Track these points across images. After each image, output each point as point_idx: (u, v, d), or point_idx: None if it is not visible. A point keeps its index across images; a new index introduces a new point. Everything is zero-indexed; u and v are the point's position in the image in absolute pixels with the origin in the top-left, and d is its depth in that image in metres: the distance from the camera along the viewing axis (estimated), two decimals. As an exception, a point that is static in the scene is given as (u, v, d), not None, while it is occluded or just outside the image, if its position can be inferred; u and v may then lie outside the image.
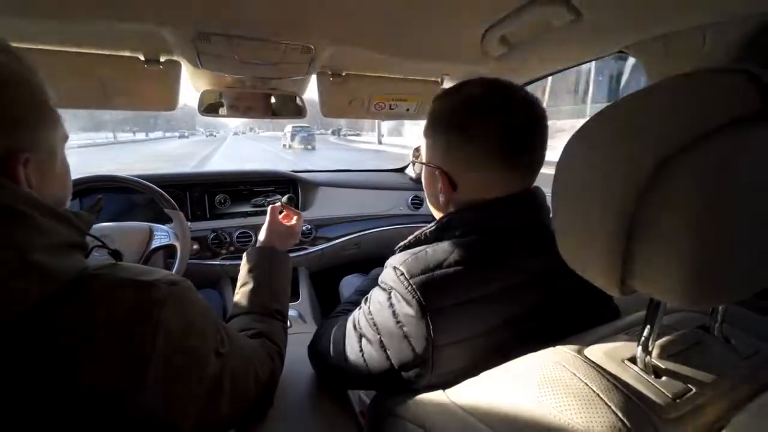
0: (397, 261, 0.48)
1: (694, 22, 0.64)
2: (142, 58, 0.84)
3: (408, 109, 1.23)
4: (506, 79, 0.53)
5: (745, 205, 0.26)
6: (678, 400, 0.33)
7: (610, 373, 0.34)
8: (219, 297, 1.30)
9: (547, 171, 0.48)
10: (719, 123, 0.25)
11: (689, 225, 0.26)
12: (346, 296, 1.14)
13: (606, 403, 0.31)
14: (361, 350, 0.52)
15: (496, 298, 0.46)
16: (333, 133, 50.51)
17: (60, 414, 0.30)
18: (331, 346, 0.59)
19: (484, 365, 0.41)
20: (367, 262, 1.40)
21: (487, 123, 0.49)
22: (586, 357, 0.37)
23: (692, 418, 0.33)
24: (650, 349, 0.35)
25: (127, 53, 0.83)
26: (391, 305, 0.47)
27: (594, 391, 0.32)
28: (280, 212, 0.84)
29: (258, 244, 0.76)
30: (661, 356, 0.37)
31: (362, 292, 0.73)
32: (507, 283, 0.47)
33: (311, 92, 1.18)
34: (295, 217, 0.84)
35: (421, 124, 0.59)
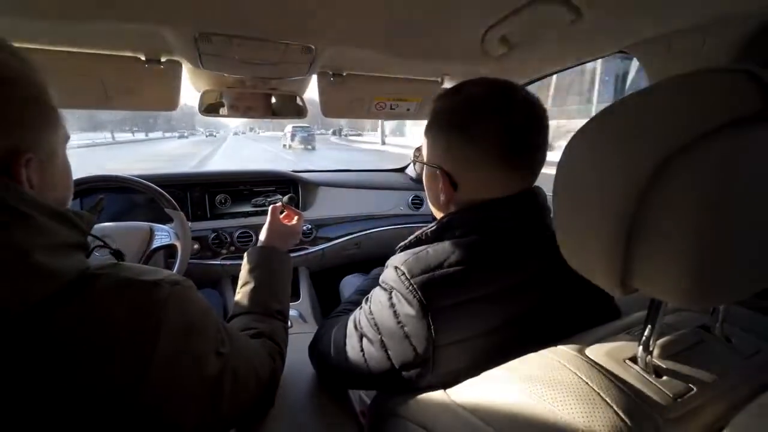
0: (398, 261, 0.49)
1: (694, 22, 0.64)
2: (142, 58, 0.84)
3: (408, 109, 1.23)
4: (507, 79, 0.53)
5: (746, 204, 0.26)
6: (679, 400, 0.33)
7: (611, 373, 0.35)
8: (219, 297, 1.30)
9: (548, 171, 0.48)
10: (720, 123, 0.25)
11: (690, 225, 0.26)
12: (346, 296, 1.14)
13: (607, 403, 0.32)
14: (362, 350, 0.52)
15: (497, 297, 0.46)
16: (334, 133, 50.34)
17: (61, 414, 0.30)
18: (332, 346, 0.59)
19: (485, 365, 0.42)
20: (368, 262, 1.40)
21: (487, 123, 0.49)
22: (587, 356, 0.37)
23: (693, 417, 0.33)
24: (651, 348, 0.35)
25: (128, 53, 0.83)
26: (392, 305, 0.47)
27: (595, 391, 0.33)
28: (281, 212, 0.84)
29: (259, 244, 0.76)
30: (662, 356, 0.37)
31: (363, 292, 0.74)
32: (508, 283, 0.47)
33: (311, 92, 1.18)
34: (295, 217, 0.84)
35: (423, 124, 0.59)
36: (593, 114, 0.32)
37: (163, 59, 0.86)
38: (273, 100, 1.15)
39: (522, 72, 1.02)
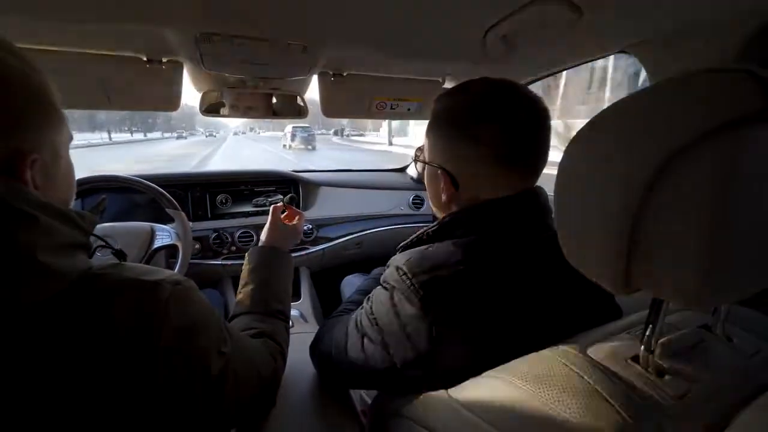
0: (399, 260, 0.49)
1: (694, 22, 0.64)
2: (144, 58, 0.84)
3: (409, 109, 1.23)
4: (508, 79, 0.53)
5: (747, 204, 0.26)
6: (681, 399, 0.33)
7: (613, 372, 0.35)
8: (221, 297, 1.30)
9: (549, 171, 0.48)
10: (721, 123, 0.25)
11: (691, 225, 0.26)
12: (347, 296, 1.14)
13: (609, 402, 0.32)
14: (363, 350, 0.52)
15: (498, 297, 0.46)
16: (335, 133, 50.06)
17: (65, 412, 0.30)
18: (333, 345, 0.59)
19: (487, 364, 0.42)
20: (369, 261, 1.40)
21: (489, 123, 0.49)
22: (588, 356, 0.37)
23: (695, 416, 0.33)
24: (653, 348, 0.35)
25: (129, 53, 0.83)
26: (394, 305, 0.47)
27: (598, 390, 0.33)
28: (282, 212, 0.84)
29: (260, 244, 0.76)
30: (663, 355, 0.37)
31: (363, 292, 0.74)
32: (509, 283, 0.47)
33: (312, 92, 1.18)
34: (297, 217, 0.84)
35: (425, 124, 0.59)
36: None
37: (164, 59, 0.86)
38: (274, 100, 1.16)
39: (523, 71, 1.02)
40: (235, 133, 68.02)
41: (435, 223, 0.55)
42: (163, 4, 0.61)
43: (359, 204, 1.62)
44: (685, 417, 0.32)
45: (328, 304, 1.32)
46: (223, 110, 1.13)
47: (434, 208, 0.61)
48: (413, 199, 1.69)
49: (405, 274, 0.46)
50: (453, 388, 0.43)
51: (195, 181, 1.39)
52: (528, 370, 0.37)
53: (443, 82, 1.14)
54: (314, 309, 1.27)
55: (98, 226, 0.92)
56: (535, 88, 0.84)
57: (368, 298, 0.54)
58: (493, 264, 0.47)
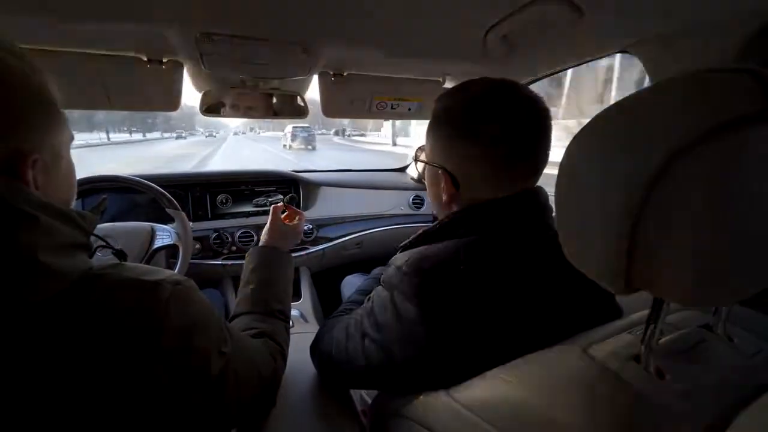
0: (399, 260, 0.49)
1: (694, 22, 0.64)
2: (144, 58, 0.84)
3: (409, 109, 1.23)
4: (508, 79, 0.53)
5: (748, 204, 0.26)
6: (681, 399, 0.33)
7: (614, 372, 0.35)
8: (221, 297, 1.30)
9: (550, 171, 0.48)
10: (721, 123, 0.25)
11: (692, 225, 0.26)
12: (347, 296, 1.14)
13: (610, 402, 0.32)
14: (364, 350, 0.52)
15: (498, 297, 0.46)
16: (336, 133, 49.82)
17: (63, 413, 0.30)
18: (334, 345, 0.59)
19: (487, 364, 0.42)
20: (369, 261, 1.40)
21: (489, 122, 0.49)
22: (589, 356, 0.37)
23: (695, 416, 0.33)
24: (653, 348, 0.35)
25: (130, 54, 0.83)
26: (394, 304, 0.47)
27: (598, 390, 0.33)
28: (283, 212, 0.84)
29: (260, 244, 0.76)
30: (664, 355, 0.37)
31: (364, 292, 0.74)
32: (510, 283, 0.47)
33: (312, 92, 1.18)
34: (297, 217, 0.84)
35: (426, 124, 0.59)
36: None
37: (164, 60, 0.86)
38: (274, 100, 1.15)
39: (523, 71, 1.02)
40: (235, 133, 67.86)
41: (435, 223, 0.55)
42: (164, 4, 0.61)
43: (359, 204, 1.62)
44: (686, 417, 0.32)
45: (328, 304, 1.32)
46: (223, 110, 1.13)
47: (435, 208, 0.61)
48: (413, 199, 1.69)
49: (405, 274, 0.46)
50: (453, 388, 0.43)
51: (195, 181, 1.39)
52: (528, 369, 0.37)
53: (443, 82, 1.14)
54: (314, 309, 1.27)
55: (99, 226, 0.92)
56: (538, 88, 0.85)
57: (369, 298, 0.54)
58: (493, 264, 0.47)
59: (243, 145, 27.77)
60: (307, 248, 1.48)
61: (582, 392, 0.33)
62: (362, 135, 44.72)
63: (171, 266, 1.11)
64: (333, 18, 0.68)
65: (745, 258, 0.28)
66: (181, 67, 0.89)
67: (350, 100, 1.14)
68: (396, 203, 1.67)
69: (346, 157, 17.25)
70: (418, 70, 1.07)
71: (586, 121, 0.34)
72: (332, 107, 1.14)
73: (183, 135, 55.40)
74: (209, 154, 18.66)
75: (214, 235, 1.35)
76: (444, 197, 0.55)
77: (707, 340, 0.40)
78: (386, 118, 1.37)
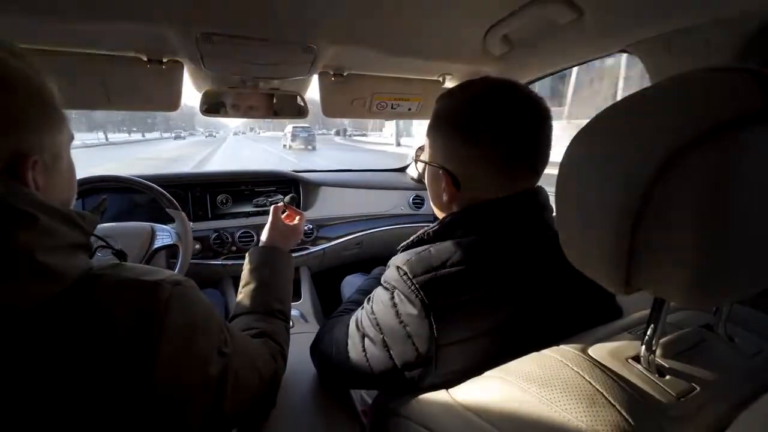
0: (400, 260, 0.49)
1: (695, 21, 0.64)
2: (144, 58, 0.84)
3: (410, 109, 1.23)
4: (509, 79, 0.53)
5: (749, 203, 0.26)
6: (682, 399, 0.33)
7: (614, 372, 0.35)
8: (221, 297, 1.30)
9: (550, 171, 0.48)
10: (722, 122, 0.25)
11: (692, 224, 0.26)
12: (347, 296, 1.14)
13: (610, 402, 0.32)
14: (364, 350, 0.52)
15: (499, 297, 0.46)
16: (337, 133, 49.55)
17: (62, 413, 0.30)
18: (334, 345, 0.59)
19: (487, 364, 0.42)
20: (369, 261, 1.40)
21: (490, 122, 0.49)
22: (589, 356, 0.37)
23: (696, 416, 0.33)
24: (654, 348, 0.35)
25: (130, 54, 0.83)
26: (395, 305, 0.47)
27: (598, 390, 0.33)
28: (283, 212, 0.84)
29: (260, 244, 0.76)
30: (665, 355, 0.37)
31: (364, 292, 0.74)
32: (510, 283, 0.47)
33: (312, 92, 1.18)
34: (297, 217, 0.84)
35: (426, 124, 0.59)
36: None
37: (164, 59, 0.86)
38: (274, 99, 1.15)
39: (524, 71, 1.02)
40: (235, 133, 67.70)
41: (436, 223, 0.54)
42: (164, 4, 0.61)
43: (359, 204, 1.62)
44: (686, 417, 0.32)
45: (329, 304, 1.32)
46: (223, 110, 1.13)
47: (435, 208, 0.61)
48: (413, 199, 1.69)
49: (406, 274, 0.46)
50: (453, 388, 0.43)
51: (195, 181, 1.39)
52: (528, 370, 0.37)
53: (443, 82, 1.14)
54: (314, 309, 1.27)
55: (99, 226, 0.92)
56: (541, 87, 0.84)
57: (369, 298, 0.54)
58: (493, 264, 0.47)
59: (243, 145, 27.71)
60: (308, 248, 1.48)
61: (582, 392, 0.33)
62: (363, 135, 44.40)
63: (171, 266, 1.11)
64: (333, 18, 0.68)
65: (745, 258, 0.28)
66: (181, 67, 0.89)
67: (350, 100, 1.14)
68: (396, 203, 1.67)
69: (347, 157, 17.09)
70: (418, 70, 1.07)
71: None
72: (332, 107, 1.14)
73: (182, 135, 54.29)
74: (209, 154, 18.33)
75: (214, 235, 1.35)
76: (444, 197, 0.55)
77: (708, 340, 0.40)
78: (386, 118, 1.37)
